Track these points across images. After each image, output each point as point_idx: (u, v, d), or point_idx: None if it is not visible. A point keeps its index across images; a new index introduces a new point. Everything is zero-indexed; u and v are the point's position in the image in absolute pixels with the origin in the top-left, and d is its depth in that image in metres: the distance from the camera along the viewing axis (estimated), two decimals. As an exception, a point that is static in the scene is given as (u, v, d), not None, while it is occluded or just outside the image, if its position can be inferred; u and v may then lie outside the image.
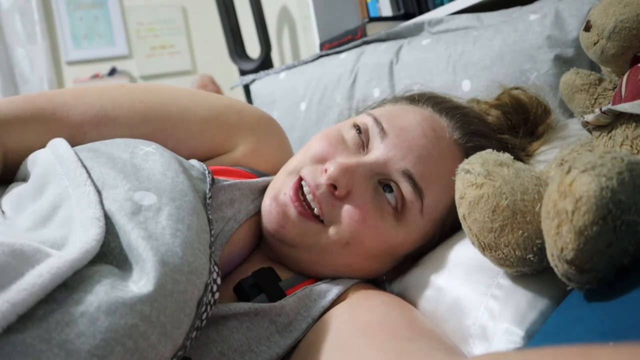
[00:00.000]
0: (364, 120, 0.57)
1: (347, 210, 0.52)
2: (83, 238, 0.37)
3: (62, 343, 0.30)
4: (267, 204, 0.55)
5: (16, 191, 0.49)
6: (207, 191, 0.50)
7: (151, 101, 0.63)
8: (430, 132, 0.55)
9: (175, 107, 0.64)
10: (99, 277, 0.34)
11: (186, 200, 0.44)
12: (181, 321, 0.36)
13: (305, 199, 0.53)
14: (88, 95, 0.60)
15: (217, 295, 0.41)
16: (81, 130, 0.58)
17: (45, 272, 0.32)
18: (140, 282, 0.35)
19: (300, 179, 0.54)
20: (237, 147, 0.68)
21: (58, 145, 0.50)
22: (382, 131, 0.55)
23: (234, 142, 0.68)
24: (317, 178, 0.53)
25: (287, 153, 0.73)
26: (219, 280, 0.41)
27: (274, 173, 0.67)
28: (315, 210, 0.53)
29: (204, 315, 0.39)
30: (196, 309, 0.37)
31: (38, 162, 0.50)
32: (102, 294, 0.33)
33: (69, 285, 0.33)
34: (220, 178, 0.58)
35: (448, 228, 0.57)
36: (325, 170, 0.52)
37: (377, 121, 0.56)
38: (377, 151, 0.54)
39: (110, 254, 0.38)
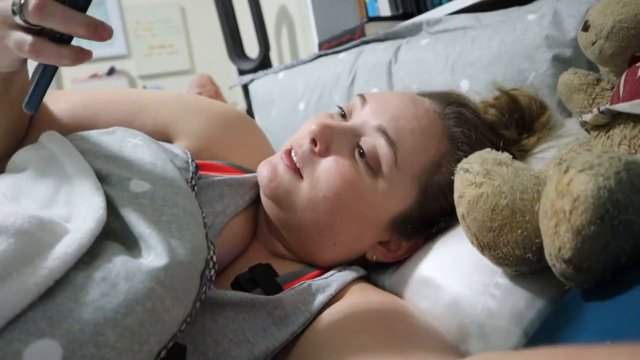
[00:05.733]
0: (352, 100, 0.62)
1: (324, 164, 0.56)
2: (90, 207, 0.41)
3: (89, 302, 0.34)
4: (262, 168, 0.59)
5: (11, 176, 0.50)
6: (189, 179, 0.53)
7: (121, 95, 0.67)
8: (408, 100, 0.60)
9: (140, 95, 0.68)
10: (113, 250, 0.38)
11: (177, 185, 0.48)
12: (190, 290, 0.40)
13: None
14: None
15: (213, 271, 0.44)
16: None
17: (71, 243, 0.36)
18: (149, 257, 0.39)
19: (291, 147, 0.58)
20: (202, 134, 0.66)
21: (50, 132, 0.54)
22: (363, 100, 0.60)
23: (196, 124, 0.66)
24: (303, 145, 0.57)
25: (266, 148, 0.74)
26: (215, 258, 0.44)
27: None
28: (298, 164, 0.56)
29: (204, 289, 0.42)
30: (200, 281, 0.41)
31: (28, 150, 0.52)
32: (119, 263, 0.37)
33: (86, 257, 0.37)
34: (210, 174, 0.59)
35: (430, 200, 0.57)
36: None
37: (362, 97, 0.61)
38: (357, 118, 0.59)
39: (112, 232, 0.41)
